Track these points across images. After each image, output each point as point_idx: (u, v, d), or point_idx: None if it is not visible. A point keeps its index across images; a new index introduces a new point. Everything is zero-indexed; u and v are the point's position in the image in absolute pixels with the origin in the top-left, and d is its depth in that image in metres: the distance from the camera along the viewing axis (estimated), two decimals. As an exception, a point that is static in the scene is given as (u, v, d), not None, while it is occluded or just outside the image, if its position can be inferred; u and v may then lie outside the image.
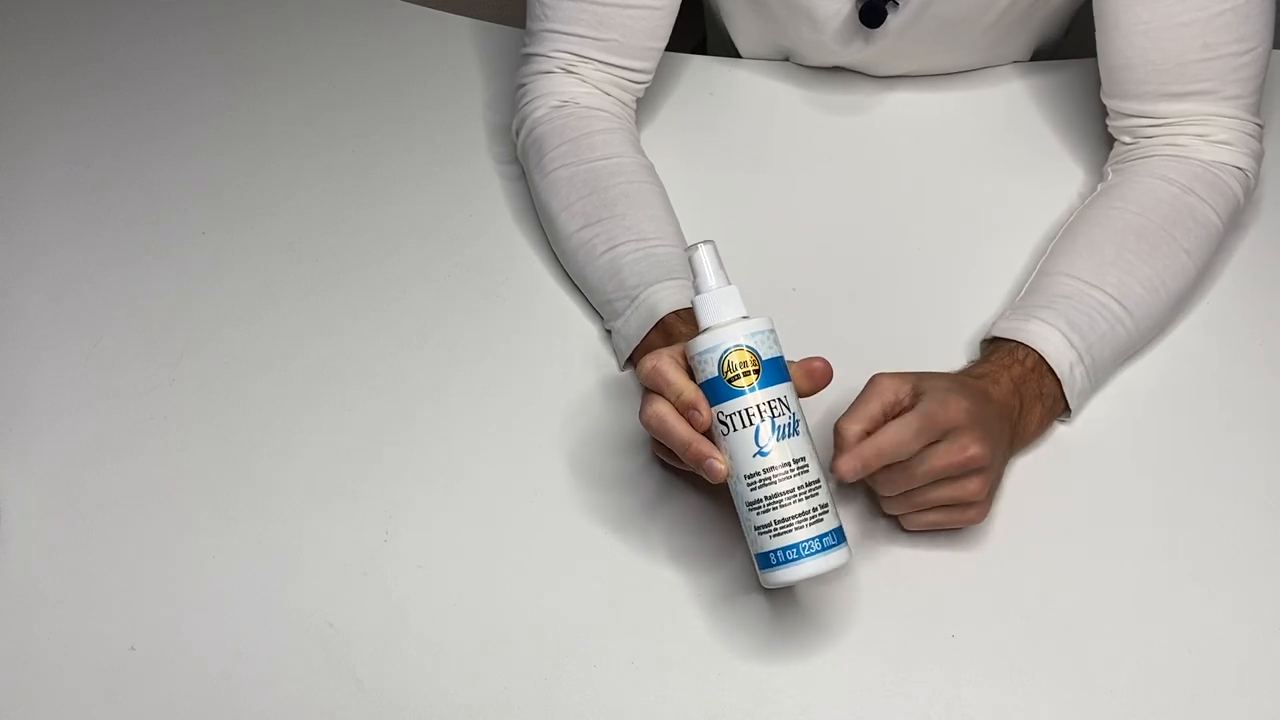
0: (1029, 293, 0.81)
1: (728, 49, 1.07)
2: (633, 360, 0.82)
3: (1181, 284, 0.81)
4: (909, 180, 0.96)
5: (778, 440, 0.64)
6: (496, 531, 0.76)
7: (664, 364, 0.67)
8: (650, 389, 0.67)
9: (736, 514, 0.67)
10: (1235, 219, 0.86)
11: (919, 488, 0.69)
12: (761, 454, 0.64)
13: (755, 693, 0.69)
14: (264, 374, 0.85)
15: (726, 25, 1.04)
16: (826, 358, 0.68)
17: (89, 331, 0.89)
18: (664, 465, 0.77)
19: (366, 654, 0.71)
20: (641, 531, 0.76)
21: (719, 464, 0.65)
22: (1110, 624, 0.71)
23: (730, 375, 0.65)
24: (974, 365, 0.78)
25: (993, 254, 0.89)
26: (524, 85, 0.93)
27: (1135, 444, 0.79)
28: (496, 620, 0.72)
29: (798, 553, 0.64)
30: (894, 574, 0.73)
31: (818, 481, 0.65)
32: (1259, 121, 0.86)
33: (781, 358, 0.66)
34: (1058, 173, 0.95)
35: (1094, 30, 0.87)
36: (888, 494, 0.71)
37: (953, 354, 0.83)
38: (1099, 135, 0.94)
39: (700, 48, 1.18)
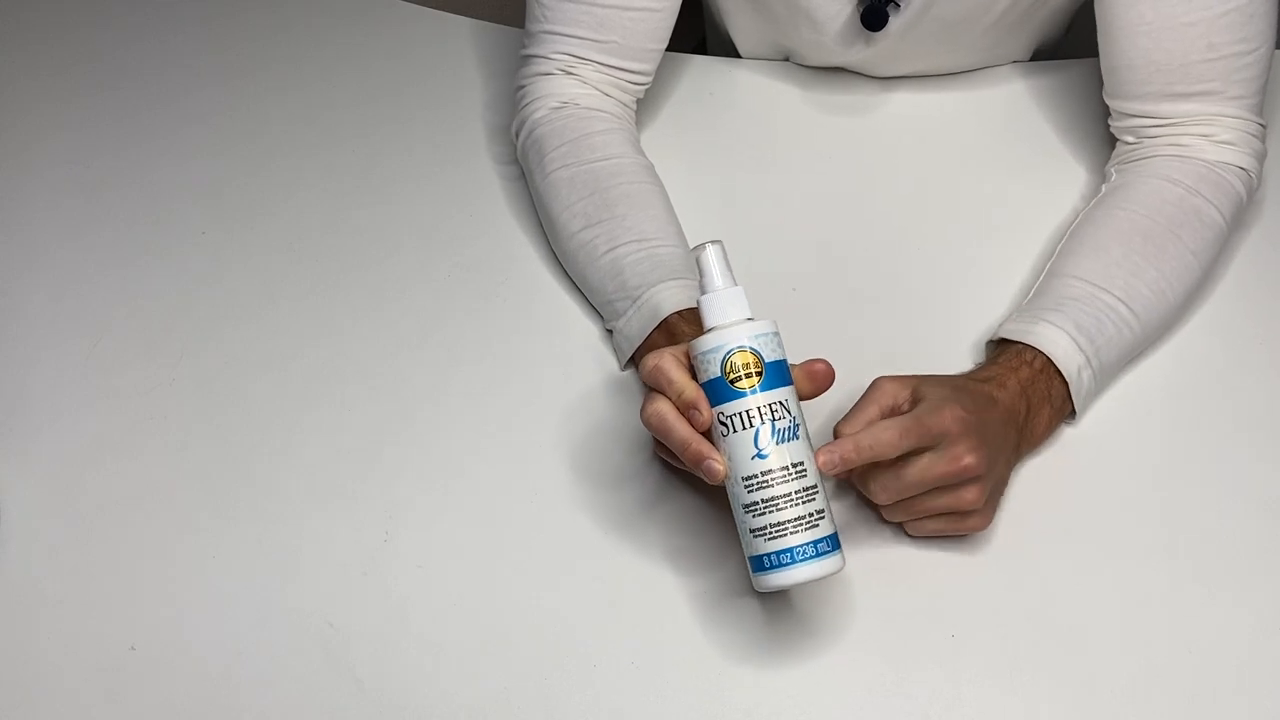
0: (1036, 294, 0.81)
1: (728, 49, 1.07)
2: (634, 360, 0.82)
3: (1187, 285, 0.81)
4: (909, 181, 0.96)
5: (777, 444, 0.64)
6: (496, 531, 0.76)
7: (666, 363, 0.67)
8: (652, 387, 0.67)
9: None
10: (1239, 219, 0.86)
11: (915, 497, 0.69)
12: (760, 456, 0.64)
13: (755, 692, 0.69)
14: (264, 374, 0.85)
15: (726, 25, 1.04)
16: (828, 359, 0.68)
17: (89, 331, 0.89)
18: (665, 465, 0.77)
19: (366, 654, 0.71)
20: (642, 531, 0.76)
21: (717, 465, 0.65)
22: (1110, 624, 0.70)
23: (733, 376, 0.65)
24: (981, 367, 0.78)
25: (993, 254, 0.89)
26: (523, 86, 0.93)
27: (1135, 444, 0.78)
28: (496, 620, 0.72)
29: (791, 557, 0.64)
30: (894, 574, 0.73)
31: (815, 487, 0.65)
32: (1262, 121, 0.86)
33: (784, 361, 0.66)
34: (1058, 173, 0.95)
35: (1095, 30, 0.87)
36: (881, 501, 0.71)
37: (953, 354, 0.83)
38: (1100, 135, 0.94)
39: (700, 48, 1.18)
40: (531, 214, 0.93)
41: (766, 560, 0.65)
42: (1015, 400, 0.74)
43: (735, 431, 0.65)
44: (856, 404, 0.70)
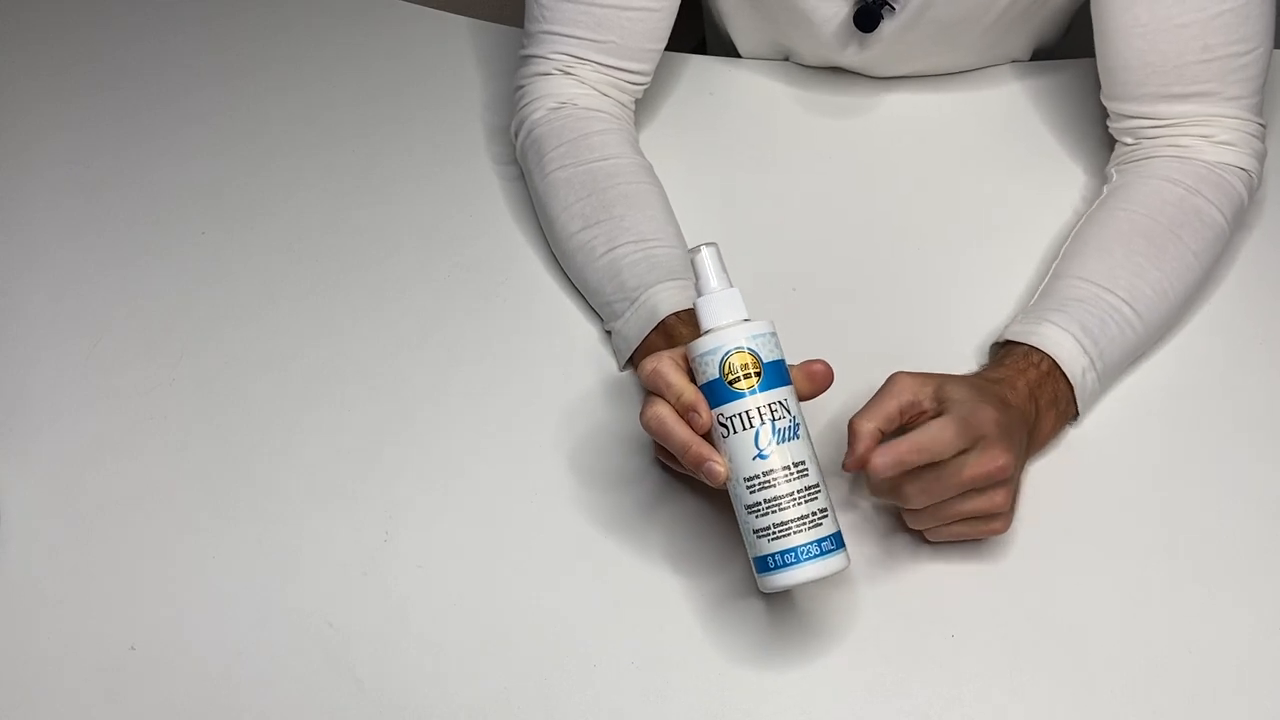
0: (1041, 296, 0.81)
1: (727, 49, 1.07)
2: (633, 361, 0.82)
3: (1188, 286, 0.81)
4: (909, 181, 0.96)
5: (778, 443, 0.64)
6: (496, 531, 0.76)
7: (664, 365, 0.67)
8: (651, 390, 0.67)
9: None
10: (1240, 220, 0.86)
11: (947, 500, 0.68)
12: (761, 457, 0.64)
13: (755, 693, 0.69)
14: (264, 374, 0.85)
15: (726, 25, 1.04)
16: (827, 360, 0.68)
17: (89, 331, 0.89)
18: (665, 467, 0.77)
19: (366, 654, 0.71)
20: (642, 532, 0.76)
21: (718, 467, 0.65)
22: (1110, 624, 0.70)
23: (731, 377, 0.65)
24: (988, 369, 0.77)
25: (992, 255, 0.89)
26: (522, 87, 0.93)
27: (1136, 444, 0.78)
28: (496, 620, 0.72)
29: (796, 557, 0.64)
30: (894, 575, 0.73)
31: (817, 486, 0.65)
32: (1262, 121, 0.86)
33: (783, 361, 0.66)
34: (1057, 173, 0.95)
35: (1092, 31, 0.87)
36: (918, 505, 0.69)
37: (951, 354, 0.83)
38: (1099, 136, 0.94)
39: (700, 48, 1.18)
40: (531, 214, 0.93)
41: (771, 560, 0.65)
42: (1025, 403, 0.73)
43: (735, 432, 0.65)
44: (874, 398, 0.69)
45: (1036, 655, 0.69)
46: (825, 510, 0.65)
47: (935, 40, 0.95)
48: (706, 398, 0.65)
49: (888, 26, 0.92)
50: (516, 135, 0.93)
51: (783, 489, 0.64)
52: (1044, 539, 0.74)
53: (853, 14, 0.92)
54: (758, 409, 0.64)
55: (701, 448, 0.65)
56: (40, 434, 0.83)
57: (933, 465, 0.66)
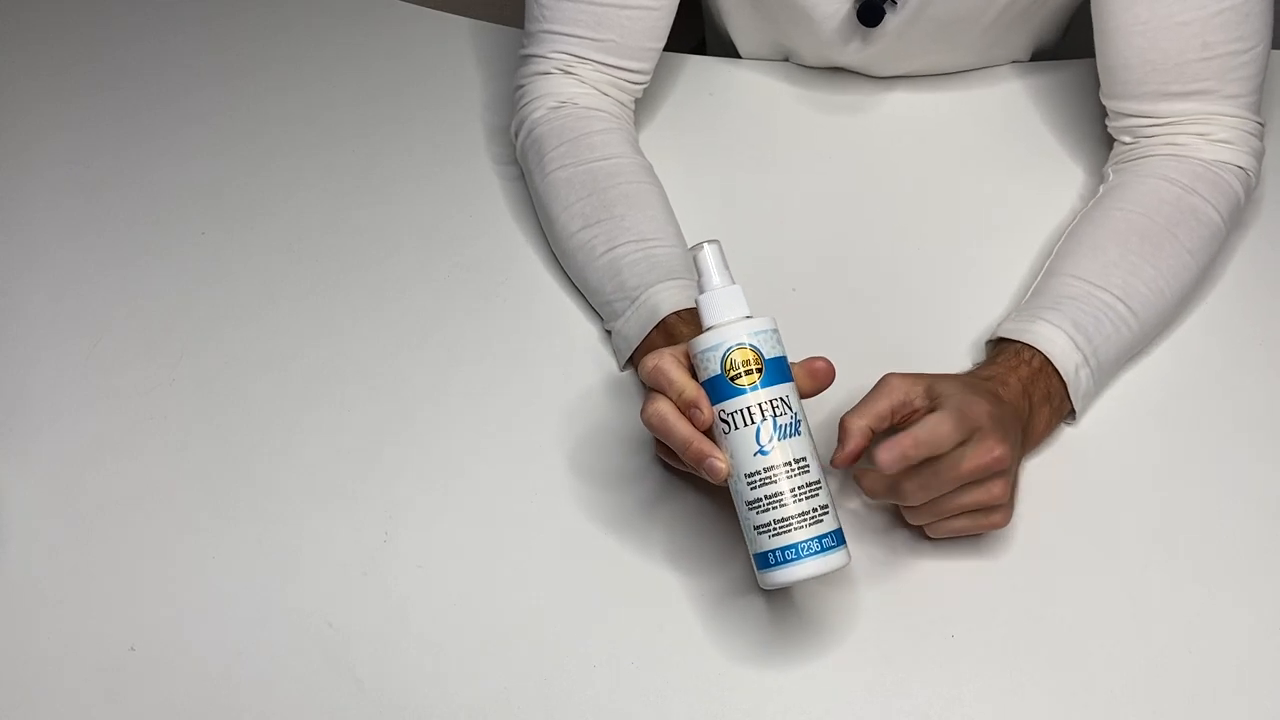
0: (1034, 294, 0.81)
1: (727, 49, 1.07)
2: (633, 361, 0.82)
3: (1184, 284, 0.81)
4: (909, 180, 0.96)
5: (779, 440, 0.64)
6: (496, 531, 0.76)
7: (666, 363, 0.67)
8: (652, 388, 0.67)
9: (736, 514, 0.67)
10: (1237, 218, 0.86)
11: (945, 495, 0.69)
12: (762, 453, 0.64)
13: (755, 693, 0.69)
14: (264, 374, 0.85)
15: (726, 25, 1.04)
16: (828, 357, 0.68)
17: (89, 331, 0.89)
18: (665, 466, 0.77)
19: (366, 654, 0.71)
20: (642, 531, 0.76)
21: (720, 463, 0.65)
22: (1110, 624, 0.71)
23: (733, 373, 0.65)
24: (981, 367, 0.78)
25: (992, 254, 0.89)
26: (522, 86, 0.93)
27: (1135, 444, 0.79)
28: (496, 620, 0.72)
29: (797, 553, 0.64)
30: (894, 574, 0.73)
31: (818, 482, 0.65)
32: (1260, 120, 0.86)
33: (784, 358, 0.67)
34: (1057, 173, 0.95)
35: (1091, 31, 0.87)
36: (917, 501, 0.69)
37: (951, 353, 0.83)
38: (1098, 135, 0.94)
39: (700, 48, 1.18)
40: (531, 214, 0.93)
41: (771, 557, 0.65)
42: (1018, 399, 0.74)
43: (737, 428, 0.65)
44: (865, 398, 0.70)
45: (1036, 655, 0.69)
46: (826, 507, 0.65)
47: (935, 39, 0.95)
48: (708, 394, 0.66)
49: (889, 22, 0.92)
50: (517, 135, 0.93)
51: (784, 485, 0.64)
52: (1043, 538, 0.74)
53: (856, 9, 0.92)
54: (759, 405, 0.65)
55: (703, 444, 0.65)
56: (40, 434, 0.83)
57: (930, 460, 0.67)
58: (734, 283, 0.67)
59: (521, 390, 0.83)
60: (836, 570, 0.65)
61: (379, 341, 0.87)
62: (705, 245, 0.68)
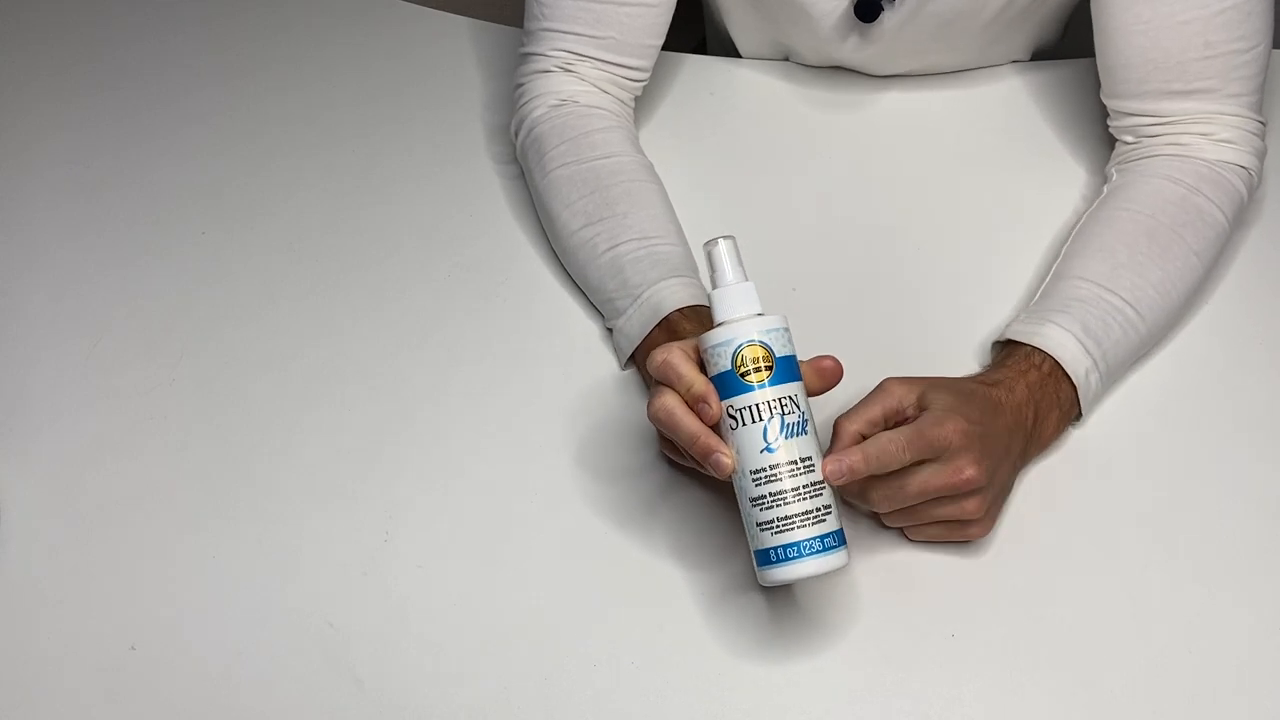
0: (1043, 296, 0.81)
1: (727, 49, 1.07)
2: (634, 359, 0.82)
3: (1190, 285, 0.81)
4: (909, 180, 0.95)
5: (785, 438, 0.64)
6: (496, 531, 0.76)
7: (675, 357, 0.67)
8: (660, 381, 0.67)
9: (739, 511, 0.67)
10: (1240, 218, 0.86)
11: (916, 506, 0.69)
12: (768, 450, 0.64)
13: (755, 691, 0.69)
14: (264, 374, 0.85)
15: (726, 24, 1.04)
16: (836, 356, 0.68)
17: (89, 331, 0.89)
18: (669, 462, 0.77)
19: (366, 654, 0.71)
20: (642, 531, 0.76)
21: (725, 459, 0.65)
22: (1110, 624, 0.70)
23: (743, 370, 0.65)
24: (989, 370, 0.77)
25: (992, 253, 0.89)
26: (522, 85, 0.93)
27: (1136, 444, 0.78)
28: (496, 620, 0.72)
29: (798, 551, 0.64)
30: (894, 574, 0.73)
31: (822, 482, 0.65)
32: (1262, 119, 0.86)
33: (794, 357, 0.67)
34: (1057, 172, 0.95)
35: (1091, 30, 0.87)
36: (881, 510, 0.71)
37: (952, 352, 0.83)
38: (1099, 135, 0.94)
39: (700, 48, 1.18)
40: (531, 214, 0.93)
41: (773, 554, 0.65)
42: (1023, 405, 0.73)
43: (744, 425, 0.65)
44: (861, 401, 0.70)
45: (1036, 655, 0.69)
46: (829, 507, 0.65)
47: (934, 36, 0.95)
48: (717, 389, 0.65)
49: (888, 19, 0.92)
50: (517, 133, 0.93)
51: (787, 484, 0.64)
52: (1044, 539, 0.74)
53: (853, 5, 0.92)
54: (767, 403, 0.65)
55: (710, 439, 0.65)
56: (40, 434, 0.83)
57: (895, 474, 0.67)
58: (747, 279, 0.67)
59: (522, 390, 0.83)
60: (836, 570, 0.65)
61: (379, 341, 0.87)
62: (720, 240, 0.68)
